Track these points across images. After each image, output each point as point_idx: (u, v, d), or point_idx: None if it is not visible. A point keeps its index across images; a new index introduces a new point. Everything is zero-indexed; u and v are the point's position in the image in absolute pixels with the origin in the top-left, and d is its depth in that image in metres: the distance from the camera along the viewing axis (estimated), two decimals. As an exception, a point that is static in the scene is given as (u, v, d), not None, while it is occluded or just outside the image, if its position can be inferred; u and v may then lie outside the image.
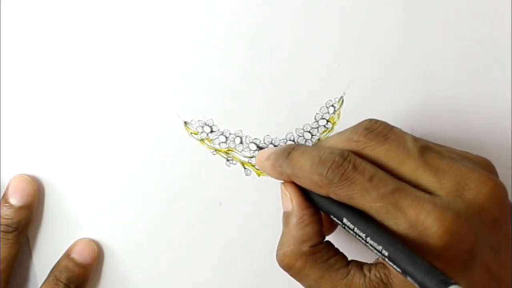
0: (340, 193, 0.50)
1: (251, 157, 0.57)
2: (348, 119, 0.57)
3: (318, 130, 0.58)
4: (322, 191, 0.51)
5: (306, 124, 0.58)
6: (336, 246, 0.53)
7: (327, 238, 0.53)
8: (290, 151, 0.53)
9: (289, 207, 0.53)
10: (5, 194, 0.56)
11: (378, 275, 0.50)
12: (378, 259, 0.51)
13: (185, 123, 0.57)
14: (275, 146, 0.57)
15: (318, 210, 0.53)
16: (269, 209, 0.58)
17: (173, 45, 0.56)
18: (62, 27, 0.56)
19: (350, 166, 0.50)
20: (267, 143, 0.57)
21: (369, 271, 0.50)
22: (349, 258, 0.52)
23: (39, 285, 0.57)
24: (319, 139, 0.58)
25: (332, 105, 0.58)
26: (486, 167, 0.52)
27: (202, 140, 0.57)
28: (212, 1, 0.56)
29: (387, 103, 0.58)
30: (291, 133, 0.58)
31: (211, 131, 0.57)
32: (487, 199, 0.49)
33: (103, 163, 0.57)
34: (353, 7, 0.57)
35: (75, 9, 0.55)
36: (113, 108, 0.56)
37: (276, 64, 0.57)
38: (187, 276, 0.58)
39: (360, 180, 0.49)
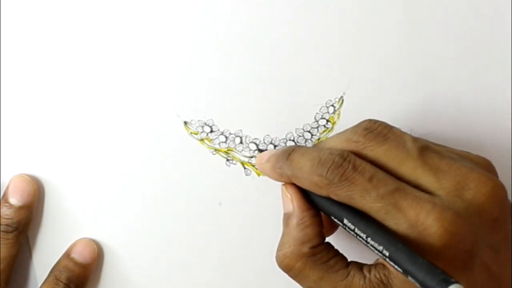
0: (340, 194, 0.50)
1: (251, 157, 0.57)
2: (348, 119, 0.57)
3: (318, 130, 0.58)
4: (322, 192, 0.51)
5: (306, 124, 0.58)
6: (336, 247, 0.53)
7: (327, 239, 0.53)
8: (290, 152, 0.53)
9: (290, 208, 0.53)
10: (5, 194, 0.56)
11: (378, 276, 0.50)
12: (377, 260, 0.51)
13: (185, 123, 0.57)
14: (275, 146, 0.57)
15: (319, 212, 0.53)
16: (269, 209, 0.58)
17: (173, 45, 0.56)
18: (62, 27, 0.56)
19: (350, 166, 0.50)
20: (267, 143, 0.57)
21: (369, 272, 0.50)
22: (349, 259, 0.52)
23: (39, 285, 0.57)
24: (319, 139, 0.58)
25: (332, 105, 0.58)
26: (486, 167, 0.52)
27: (202, 140, 0.57)
28: (212, 1, 0.56)
29: (387, 103, 0.58)
30: (291, 133, 0.58)
31: (211, 131, 0.57)
32: (487, 199, 0.49)
33: (103, 163, 0.57)
34: (353, 7, 0.57)
35: (75, 9, 0.55)
36: (113, 108, 0.56)
37: (276, 64, 0.57)
38: (187, 276, 0.58)
39: (360, 181, 0.49)
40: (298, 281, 0.52)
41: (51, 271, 0.57)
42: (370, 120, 0.52)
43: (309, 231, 0.52)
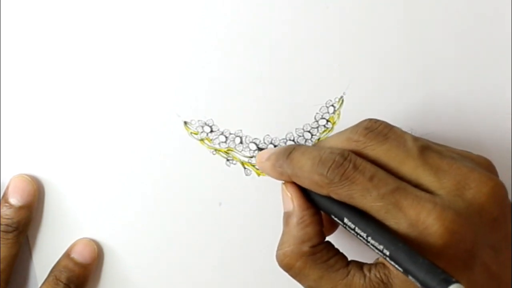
0: (341, 193, 0.50)
1: (251, 157, 0.57)
2: (348, 119, 0.57)
3: (318, 130, 0.58)
4: (323, 191, 0.51)
5: (306, 124, 0.58)
6: (336, 246, 0.53)
7: (327, 238, 0.53)
8: (290, 151, 0.53)
9: (290, 207, 0.53)
10: (5, 194, 0.56)
11: (378, 275, 0.50)
12: (378, 259, 0.51)
13: (185, 123, 0.57)
14: (275, 146, 0.57)
15: (319, 211, 0.53)
16: (269, 209, 0.58)
17: (173, 45, 0.56)
18: (62, 27, 0.56)
19: (351, 165, 0.50)
20: (267, 143, 0.57)
21: (369, 271, 0.50)
22: (349, 259, 0.52)
23: (39, 285, 0.57)
24: (319, 139, 0.58)
25: (332, 105, 0.58)
26: (486, 167, 0.52)
27: (202, 140, 0.57)
28: (212, 1, 0.56)
29: (387, 103, 0.58)
30: (291, 133, 0.58)
31: (211, 131, 0.57)
32: (487, 199, 0.49)
33: (103, 163, 0.57)
34: (353, 7, 0.57)
35: (75, 9, 0.55)
36: (113, 108, 0.56)
37: (276, 64, 0.57)
38: (187, 276, 0.58)
39: (361, 180, 0.49)
40: (298, 280, 0.52)
41: (51, 271, 0.56)
42: (370, 120, 0.52)
43: (309, 230, 0.52)
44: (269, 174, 0.54)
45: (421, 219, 0.48)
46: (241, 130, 0.57)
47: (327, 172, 0.50)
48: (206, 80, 0.57)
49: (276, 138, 0.57)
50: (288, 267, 0.52)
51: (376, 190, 0.49)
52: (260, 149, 0.57)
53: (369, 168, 0.50)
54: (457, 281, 0.44)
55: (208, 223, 0.58)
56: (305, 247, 0.51)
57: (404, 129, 0.52)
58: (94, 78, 0.56)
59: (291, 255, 0.51)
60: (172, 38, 0.56)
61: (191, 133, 0.57)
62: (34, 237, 0.57)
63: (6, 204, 0.56)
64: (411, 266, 0.46)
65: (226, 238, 0.58)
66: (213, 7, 0.56)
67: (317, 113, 0.57)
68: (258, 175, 0.57)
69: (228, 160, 0.57)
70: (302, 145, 0.54)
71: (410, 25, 0.58)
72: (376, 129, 0.51)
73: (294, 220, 0.52)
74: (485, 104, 0.59)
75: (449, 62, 0.58)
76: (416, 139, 0.51)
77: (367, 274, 0.50)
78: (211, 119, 0.57)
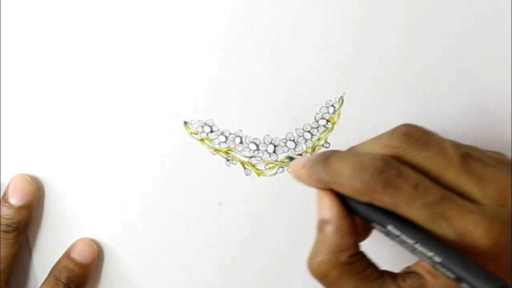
0: (385, 200, 0.48)
1: (251, 157, 0.57)
2: (348, 119, 0.57)
3: (318, 130, 0.58)
4: (365, 198, 0.49)
5: (306, 124, 0.58)
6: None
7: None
8: (327, 157, 0.50)
9: (327, 214, 0.50)
10: (5, 194, 0.56)
11: (413, 286, 0.48)
12: (409, 268, 0.50)
13: (185, 123, 0.57)
14: (275, 146, 0.57)
15: (355, 220, 0.51)
16: (269, 209, 0.58)
17: (173, 45, 0.56)
18: (62, 27, 0.56)
19: (394, 172, 0.48)
20: (267, 143, 0.57)
21: (403, 281, 0.49)
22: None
23: (39, 285, 0.57)
24: (319, 139, 0.58)
25: (332, 105, 0.58)
26: None
27: (202, 140, 0.57)
28: (212, 1, 0.56)
29: (387, 103, 0.58)
30: (291, 133, 0.58)
31: (211, 131, 0.57)
32: None
33: (103, 163, 0.57)
34: (353, 7, 0.57)
35: (75, 9, 0.56)
36: (113, 108, 0.56)
37: (276, 64, 0.57)
38: (187, 276, 0.58)
39: (405, 188, 0.48)
40: None
41: (51, 271, 0.57)
42: (408, 125, 0.50)
43: (347, 239, 0.50)
44: (304, 182, 0.52)
45: (469, 231, 0.47)
46: (241, 130, 0.57)
47: (370, 178, 0.48)
48: (206, 80, 0.57)
49: (276, 138, 0.57)
50: (322, 276, 0.50)
51: (422, 199, 0.47)
52: (259, 149, 0.57)
53: (413, 175, 0.48)
54: None
55: (208, 223, 0.58)
56: (343, 257, 0.49)
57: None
58: (94, 78, 0.56)
59: (327, 264, 0.49)
60: (172, 38, 0.56)
61: (191, 133, 0.57)
62: (34, 237, 0.57)
63: (6, 204, 0.56)
64: (465, 273, 0.45)
65: (226, 238, 0.58)
66: (213, 7, 0.56)
67: (317, 113, 0.57)
68: (258, 175, 0.57)
69: (228, 160, 0.57)
70: (338, 151, 0.51)
71: (410, 25, 0.58)
72: (415, 134, 0.50)
73: (331, 228, 0.50)
74: (485, 104, 0.59)
75: (449, 62, 0.58)
76: (456, 146, 0.50)
77: (402, 284, 0.49)
78: (211, 119, 0.57)
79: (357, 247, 0.50)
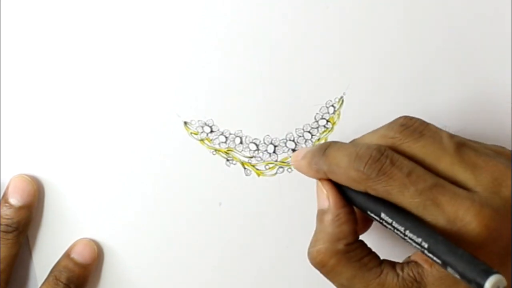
0: (378, 188, 0.49)
1: (251, 157, 0.57)
2: (348, 119, 0.57)
3: (318, 130, 0.58)
4: (360, 187, 0.50)
5: (306, 124, 0.58)
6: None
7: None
8: (325, 148, 0.52)
9: (325, 204, 0.52)
10: (5, 194, 0.56)
11: (411, 274, 0.50)
12: (409, 257, 0.51)
13: (185, 123, 0.57)
14: (275, 146, 0.57)
15: (354, 209, 0.52)
16: (269, 209, 0.58)
17: (173, 45, 0.56)
18: (62, 27, 0.56)
19: (388, 161, 0.49)
20: (267, 143, 0.57)
21: (402, 270, 0.50)
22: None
23: (39, 285, 0.57)
24: (319, 139, 0.58)
25: (332, 105, 0.58)
26: None
27: (202, 140, 0.57)
28: (212, 1, 0.56)
29: (387, 103, 0.58)
30: (291, 133, 0.58)
31: (211, 131, 0.57)
32: None
33: (103, 163, 0.57)
34: (353, 7, 0.57)
35: (75, 9, 0.55)
36: (113, 108, 0.56)
37: (276, 64, 0.57)
38: (187, 276, 0.58)
39: (398, 176, 0.49)
40: (331, 278, 0.51)
41: (51, 271, 0.57)
42: (406, 117, 0.52)
43: (345, 227, 0.51)
44: (304, 173, 0.54)
45: (459, 216, 0.48)
46: (241, 130, 0.57)
47: (364, 167, 0.49)
48: (206, 80, 0.57)
49: (276, 138, 0.57)
50: (321, 265, 0.51)
51: (414, 186, 0.49)
52: (259, 149, 0.57)
53: (407, 164, 0.49)
54: (497, 272, 0.44)
55: (208, 223, 0.58)
56: (340, 245, 0.51)
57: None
58: (94, 78, 0.56)
59: (325, 253, 0.51)
60: (172, 38, 0.56)
61: (191, 133, 0.57)
62: (34, 237, 0.57)
63: (6, 204, 0.56)
64: (450, 258, 0.46)
65: (226, 238, 0.58)
66: (213, 7, 0.56)
67: (317, 113, 0.57)
68: (258, 175, 0.57)
69: (228, 160, 0.57)
70: (338, 141, 0.53)
71: (410, 25, 0.58)
72: (411, 126, 0.51)
73: (329, 217, 0.52)
74: (485, 104, 0.59)
75: (449, 62, 0.58)
76: (451, 136, 0.51)
77: (400, 273, 0.50)
78: (211, 119, 0.57)
79: (355, 235, 0.51)
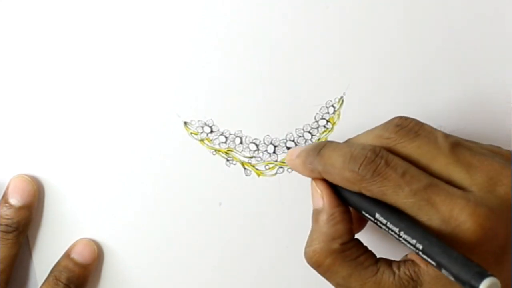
0: (373, 189, 0.49)
1: (251, 157, 0.57)
2: (348, 119, 0.57)
3: (318, 130, 0.58)
4: (354, 187, 0.50)
5: (306, 124, 0.58)
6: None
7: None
8: (321, 148, 0.52)
9: (320, 204, 0.52)
10: (5, 194, 0.56)
11: (407, 273, 0.50)
12: (406, 256, 0.51)
13: (185, 123, 0.57)
14: (275, 146, 0.57)
15: (348, 208, 0.52)
16: (269, 209, 0.58)
17: (173, 45, 0.56)
18: (62, 27, 0.56)
19: (382, 162, 0.49)
20: (267, 143, 0.57)
21: (398, 268, 0.50)
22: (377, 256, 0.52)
23: (39, 285, 0.57)
24: (319, 140, 0.58)
25: (332, 105, 0.58)
26: None
27: (202, 140, 0.57)
28: (212, 1, 0.56)
29: (387, 103, 0.58)
30: (291, 133, 0.58)
31: (211, 131, 0.57)
32: None
33: (103, 163, 0.57)
34: (353, 7, 0.57)
35: (75, 9, 0.55)
36: (113, 108, 0.56)
37: (276, 64, 0.57)
38: (187, 276, 0.58)
39: (393, 176, 0.49)
40: (327, 278, 0.51)
41: (51, 271, 0.57)
42: (401, 117, 0.52)
43: (340, 227, 0.51)
44: (299, 171, 0.54)
45: (454, 215, 0.48)
46: (241, 131, 0.57)
47: (359, 168, 0.49)
48: (206, 80, 0.57)
49: (276, 138, 0.57)
50: (317, 264, 0.51)
51: (409, 186, 0.49)
52: (259, 149, 0.57)
53: (401, 164, 0.49)
54: (491, 275, 0.44)
55: (208, 223, 0.58)
56: (335, 244, 0.51)
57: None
58: (94, 78, 0.56)
59: (320, 252, 0.51)
60: (172, 38, 0.56)
61: (191, 133, 0.57)
62: (34, 237, 0.57)
63: (6, 204, 0.56)
64: (444, 260, 0.46)
65: (226, 238, 0.58)
66: (213, 7, 0.56)
67: (317, 113, 0.57)
68: (258, 175, 0.57)
69: (228, 160, 0.57)
70: (333, 141, 0.53)
71: (410, 25, 0.58)
72: (406, 126, 0.51)
73: (324, 217, 0.52)
74: (485, 104, 0.59)
75: (449, 62, 0.58)
76: (446, 135, 0.51)
77: (396, 271, 0.50)
78: (211, 119, 0.57)
79: (350, 234, 0.51)
